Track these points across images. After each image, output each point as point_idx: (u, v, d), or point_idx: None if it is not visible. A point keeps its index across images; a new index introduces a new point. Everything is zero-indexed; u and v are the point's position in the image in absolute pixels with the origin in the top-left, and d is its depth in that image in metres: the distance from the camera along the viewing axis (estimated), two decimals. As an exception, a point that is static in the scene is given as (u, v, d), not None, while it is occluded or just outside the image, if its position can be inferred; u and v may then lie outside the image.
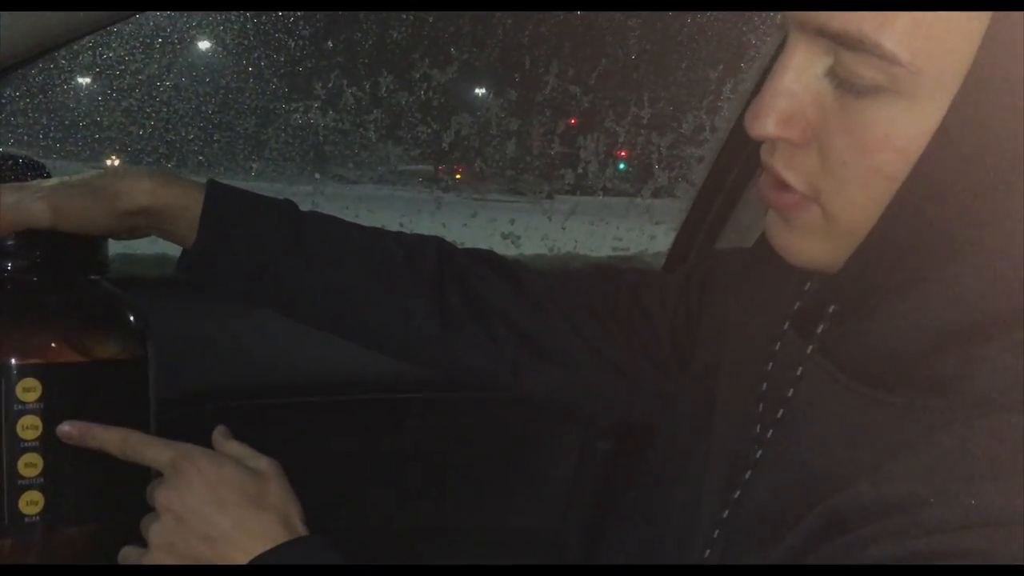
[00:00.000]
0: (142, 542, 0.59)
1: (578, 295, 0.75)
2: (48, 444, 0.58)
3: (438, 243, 0.76)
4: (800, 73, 0.43)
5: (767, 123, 0.44)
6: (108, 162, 1.77)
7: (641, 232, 1.61)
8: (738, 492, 0.55)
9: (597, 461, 1.38)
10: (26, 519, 0.57)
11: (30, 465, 0.57)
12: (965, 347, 0.43)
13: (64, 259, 0.62)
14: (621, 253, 1.58)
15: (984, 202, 0.40)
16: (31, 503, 0.57)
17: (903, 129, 0.40)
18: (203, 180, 0.69)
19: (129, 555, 0.59)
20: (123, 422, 0.60)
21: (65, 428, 0.58)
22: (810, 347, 0.53)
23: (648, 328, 0.73)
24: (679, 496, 0.61)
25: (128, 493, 0.61)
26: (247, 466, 0.60)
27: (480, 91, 1.70)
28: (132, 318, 0.63)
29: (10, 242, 0.60)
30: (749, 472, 0.54)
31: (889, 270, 0.44)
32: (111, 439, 0.59)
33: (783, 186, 0.46)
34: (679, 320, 0.72)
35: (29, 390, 0.57)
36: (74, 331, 0.59)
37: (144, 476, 0.61)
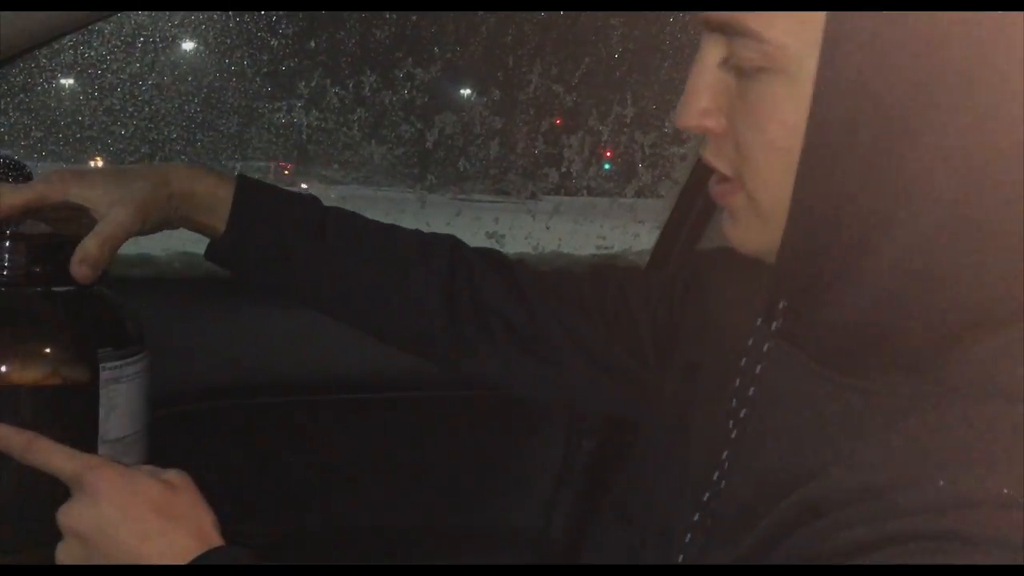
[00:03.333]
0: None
1: (570, 296, 0.77)
2: None
3: (452, 240, 0.78)
4: (707, 68, 0.47)
5: (689, 117, 0.48)
6: (92, 163, 1.76)
7: (625, 231, 1.62)
8: (716, 473, 0.56)
9: (582, 459, 1.39)
10: None
11: None
12: (934, 334, 0.43)
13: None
14: (605, 251, 1.59)
15: (879, 171, 0.41)
16: None
17: (786, 103, 0.43)
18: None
19: None
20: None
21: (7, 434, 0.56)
22: (767, 344, 0.54)
23: (632, 326, 0.75)
24: (661, 492, 0.62)
25: (46, 528, 0.58)
26: (151, 478, 0.56)
27: (464, 90, 1.70)
28: (73, 340, 0.60)
29: None
30: (726, 455, 0.55)
31: (818, 255, 0.45)
32: (15, 441, 0.56)
33: (720, 178, 0.50)
34: (661, 319, 0.74)
35: None
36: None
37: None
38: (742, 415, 0.55)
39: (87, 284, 0.59)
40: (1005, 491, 0.37)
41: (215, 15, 1.41)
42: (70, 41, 1.42)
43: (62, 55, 1.50)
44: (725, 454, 0.55)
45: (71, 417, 0.58)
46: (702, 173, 1.34)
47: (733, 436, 0.55)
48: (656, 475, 0.64)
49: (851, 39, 0.40)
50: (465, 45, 1.59)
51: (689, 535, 0.56)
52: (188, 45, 1.56)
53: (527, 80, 1.56)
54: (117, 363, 0.60)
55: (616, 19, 1.52)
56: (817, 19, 0.41)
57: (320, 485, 1.27)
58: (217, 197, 0.69)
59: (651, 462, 0.66)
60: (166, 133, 1.61)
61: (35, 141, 1.64)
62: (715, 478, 0.56)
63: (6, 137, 1.63)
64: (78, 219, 0.62)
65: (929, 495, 0.39)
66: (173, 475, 0.57)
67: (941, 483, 0.39)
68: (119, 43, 1.48)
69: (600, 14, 1.54)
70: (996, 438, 0.40)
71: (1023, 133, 0.39)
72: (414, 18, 1.53)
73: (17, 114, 1.60)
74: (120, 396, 0.60)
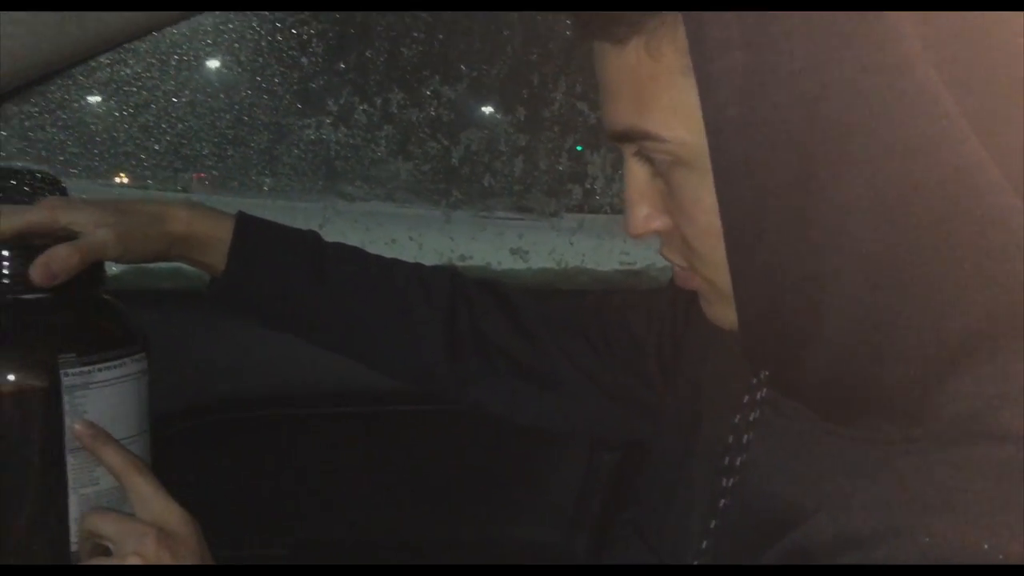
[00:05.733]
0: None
1: (571, 324, 0.78)
2: None
3: (451, 275, 0.80)
4: (636, 176, 0.50)
5: (636, 227, 0.51)
6: (116, 179, 1.80)
7: (648, 247, 1.62)
8: (714, 522, 0.56)
9: (603, 473, 1.39)
10: None
11: None
12: (907, 377, 0.43)
13: None
14: (628, 267, 1.60)
15: (797, 238, 0.41)
16: None
17: (705, 192, 0.44)
18: (211, 200, 0.72)
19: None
20: (8, 460, 0.59)
21: (77, 427, 0.59)
22: (754, 414, 0.55)
23: (637, 350, 0.76)
24: (672, 514, 0.63)
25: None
26: (168, 531, 0.60)
27: (489, 108, 1.72)
28: (29, 347, 0.59)
29: None
30: (723, 501, 0.56)
31: (775, 325, 0.45)
32: (114, 461, 0.60)
33: (679, 266, 0.52)
34: (665, 340, 0.74)
35: None
36: None
37: (31, 522, 0.60)
38: (742, 446, 0.56)
39: (46, 288, 0.59)
40: (985, 547, 0.38)
41: (247, 33, 1.44)
42: (106, 59, 1.45)
43: (98, 72, 1.53)
44: (722, 503, 0.56)
45: (32, 422, 0.59)
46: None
47: (734, 467, 0.56)
48: (666, 495, 0.64)
49: (728, 127, 0.41)
50: (491, 63, 1.60)
51: (697, 561, 0.57)
52: (221, 62, 1.59)
53: (552, 98, 1.57)
54: (82, 369, 0.59)
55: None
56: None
57: (338, 498, 1.28)
58: (215, 238, 0.70)
59: (660, 482, 0.66)
60: (198, 149, 1.63)
61: (71, 156, 1.68)
62: (720, 506, 0.56)
63: (43, 152, 1.67)
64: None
65: (912, 550, 0.39)
66: (177, 523, 0.60)
67: (927, 539, 0.39)
68: (154, 61, 1.51)
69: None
70: (979, 483, 0.40)
71: (929, 164, 0.39)
72: (441, 36, 1.56)
73: (54, 130, 1.63)
74: (90, 402, 0.60)
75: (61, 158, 1.66)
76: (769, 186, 0.41)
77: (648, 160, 0.48)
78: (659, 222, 0.51)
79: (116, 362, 0.61)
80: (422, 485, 1.33)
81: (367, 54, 1.53)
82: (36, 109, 1.66)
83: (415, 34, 1.52)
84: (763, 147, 0.40)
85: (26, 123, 1.64)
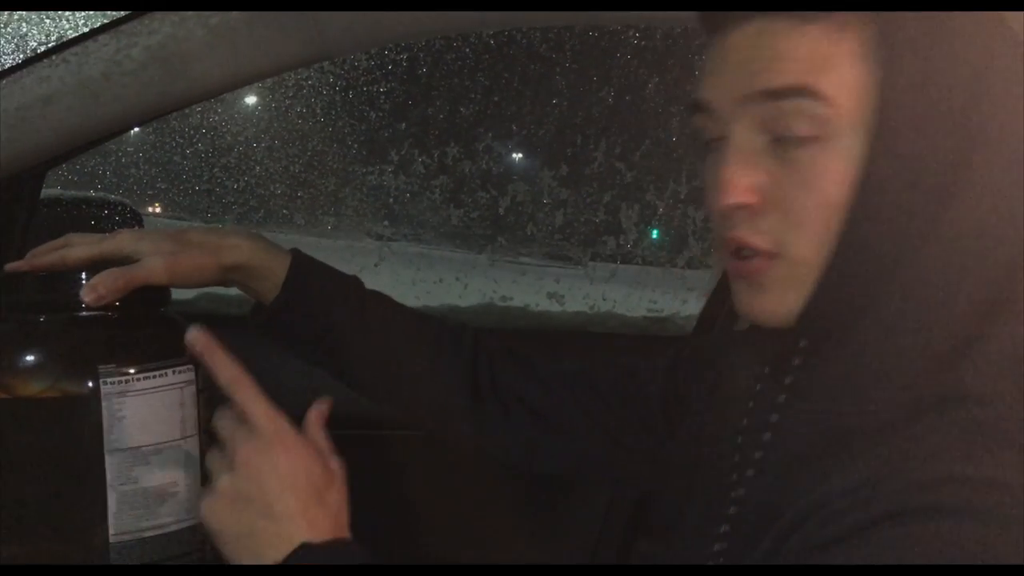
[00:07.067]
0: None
1: (584, 379, 0.84)
2: None
3: (474, 331, 0.85)
4: (742, 146, 0.51)
5: (736, 195, 0.50)
6: (150, 208, 1.92)
7: (675, 297, 1.73)
8: (724, 527, 0.62)
9: (626, 504, 1.45)
10: None
11: None
12: (940, 346, 0.50)
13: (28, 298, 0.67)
14: (655, 315, 1.70)
15: (916, 221, 0.48)
16: None
17: (836, 164, 0.48)
18: (281, 235, 0.81)
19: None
20: (53, 457, 0.63)
21: (194, 332, 0.61)
22: (782, 396, 0.60)
23: (644, 405, 0.82)
24: (687, 530, 0.68)
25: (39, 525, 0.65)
26: (323, 459, 0.61)
27: (535, 163, 1.84)
28: (73, 358, 0.64)
29: None
30: (732, 508, 0.62)
31: (842, 307, 0.51)
32: (225, 373, 0.60)
33: (747, 254, 0.52)
34: (669, 396, 0.81)
35: None
36: (2, 369, 0.63)
37: (75, 515, 0.65)
38: (749, 461, 0.62)
39: (95, 308, 0.65)
40: (971, 470, 0.45)
41: (323, 89, 1.60)
42: (199, 107, 1.62)
43: (190, 119, 1.68)
44: (735, 494, 0.62)
45: (73, 426, 0.65)
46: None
47: (743, 480, 0.62)
48: (679, 520, 0.71)
49: (902, 111, 0.48)
50: (540, 124, 1.74)
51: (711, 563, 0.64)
52: (298, 113, 1.72)
53: (593, 157, 1.71)
54: (119, 378, 0.65)
55: (675, 106, 1.67)
56: (872, 83, 0.48)
57: (370, 521, 1.32)
58: (270, 269, 0.74)
59: (673, 510, 0.73)
60: (271, 189, 1.78)
61: (158, 192, 1.85)
62: (731, 512, 0.62)
63: (135, 188, 1.84)
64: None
65: (915, 479, 0.46)
66: (335, 465, 0.62)
67: (926, 470, 0.46)
68: (238, 113, 1.67)
69: (662, 102, 1.69)
70: (973, 435, 0.47)
71: None
72: (496, 99, 1.70)
73: (147, 167, 1.81)
74: (127, 408, 0.65)
75: (150, 192, 1.84)
76: (916, 175, 0.48)
77: (770, 132, 0.50)
78: (756, 196, 0.51)
79: (155, 372, 0.66)
80: (448, 510, 1.33)
81: (428, 111, 1.68)
82: (131, 148, 1.85)
83: (472, 95, 1.67)
84: (928, 131, 0.47)
85: (123, 160, 1.82)
